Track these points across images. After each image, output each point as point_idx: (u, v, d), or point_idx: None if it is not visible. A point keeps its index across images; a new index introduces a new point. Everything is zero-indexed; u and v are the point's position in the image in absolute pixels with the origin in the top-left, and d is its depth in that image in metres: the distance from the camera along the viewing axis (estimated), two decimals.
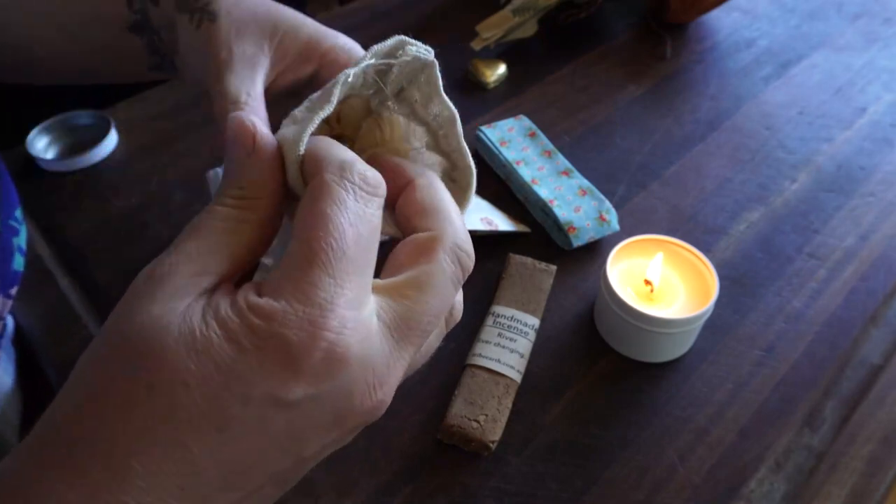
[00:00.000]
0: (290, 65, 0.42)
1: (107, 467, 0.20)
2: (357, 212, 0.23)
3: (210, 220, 0.24)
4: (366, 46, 0.40)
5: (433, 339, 0.27)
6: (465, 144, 0.31)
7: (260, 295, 0.22)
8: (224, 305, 0.22)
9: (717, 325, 0.53)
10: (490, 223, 0.58)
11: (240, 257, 0.24)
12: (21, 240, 0.50)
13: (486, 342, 0.50)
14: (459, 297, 0.28)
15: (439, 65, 0.32)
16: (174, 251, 0.23)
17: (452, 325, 0.28)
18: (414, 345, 0.24)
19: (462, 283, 0.26)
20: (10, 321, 0.54)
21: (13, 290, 0.49)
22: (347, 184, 0.24)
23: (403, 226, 0.27)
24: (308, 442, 0.22)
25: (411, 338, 0.24)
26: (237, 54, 0.39)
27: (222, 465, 0.21)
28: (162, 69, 0.44)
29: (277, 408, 0.21)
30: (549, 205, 0.59)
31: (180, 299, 0.22)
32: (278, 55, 0.41)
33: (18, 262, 0.50)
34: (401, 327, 0.23)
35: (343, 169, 0.24)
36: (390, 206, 0.27)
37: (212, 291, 0.23)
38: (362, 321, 0.22)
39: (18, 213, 0.50)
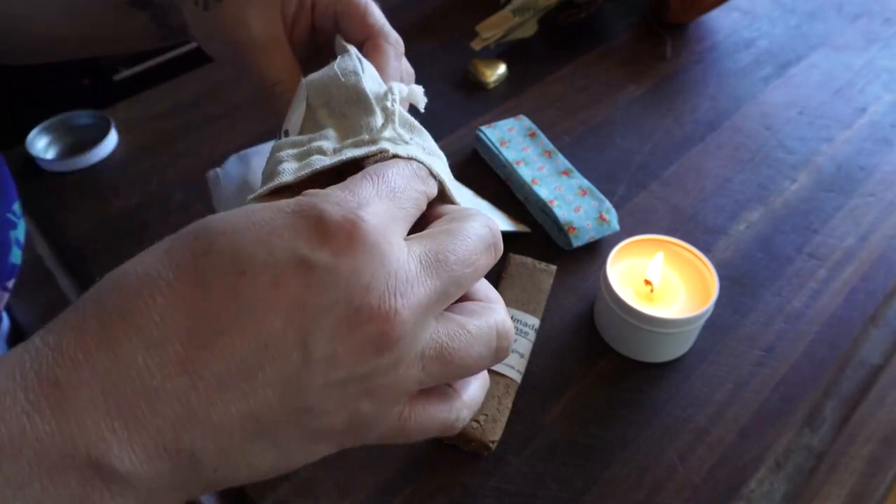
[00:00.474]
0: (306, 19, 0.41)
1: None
2: (408, 172, 0.26)
3: None
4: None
5: (478, 344, 0.26)
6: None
7: None
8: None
9: (717, 325, 0.53)
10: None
11: None
12: (19, 233, 0.50)
13: None
14: (510, 322, 0.28)
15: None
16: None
17: (503, 352, 0.27)
18: (440, 278, 0.24)
19: (495, 258, 0.27)
20: (5, 318, 0.54)
21: (10, 283, 0.49)
22: (414, 164, 0.27)
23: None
24: (317, 332, 0.21)
25: (438, 269, 0.24)
26: (256, 31, 0.38)
27: (225, 331, 0.21)
28: (173, 38, 0.43)
29: (297, 268, 0.21)
30: (549, 205, 0.59)
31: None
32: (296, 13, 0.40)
33: (16, 256, 0.50)
34: (428, 256, 0.24)
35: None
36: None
37: None
38: (391, 229, 0.23)
39: (17, 206, 0.50)
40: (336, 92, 0.31)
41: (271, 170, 0.28)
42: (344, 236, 0.21)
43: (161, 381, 0.20)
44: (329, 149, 0.28)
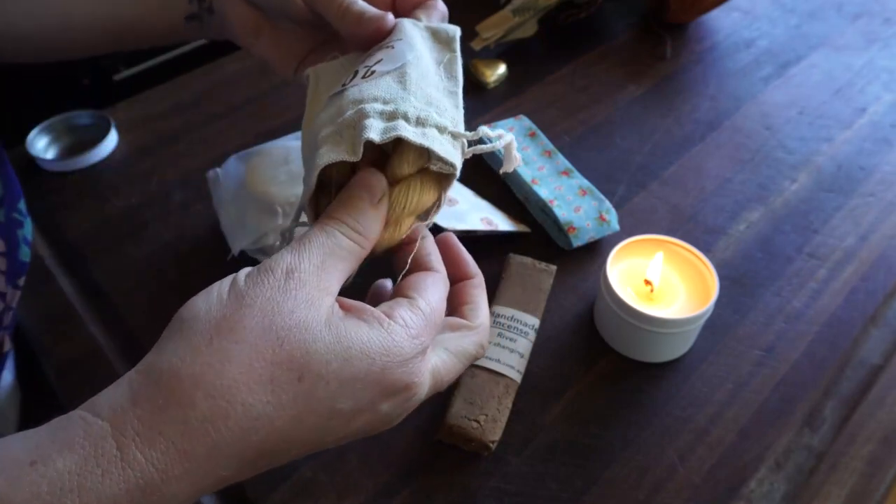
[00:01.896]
0: None
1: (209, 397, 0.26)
2: (443, 298, 0.33)
3: (336, 244, 0.30)
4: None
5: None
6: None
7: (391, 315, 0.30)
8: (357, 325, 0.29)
9: (717, 325, 0.53)
10: (490, 223, 0.58)
11: (344, 278, 0.31)
12: (26, 231, 0.51)
13: None
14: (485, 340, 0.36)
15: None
16: (302, 257, 0.29)
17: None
18: (433, 390, 0.33)
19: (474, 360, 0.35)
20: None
21: (21, 281, 0.50)
22: (440, 281, 0.33)
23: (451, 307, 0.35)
24: (364, 429, 0.31)
25: (435, 386, 0.33)
26: None
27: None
28: (198, 19, 0.45)
29: (369, 411, 0.30)
30: (549, 205, 0.59)
31: (316, 310, 0.28)
32: None
33: (25, 253, 0.50)
34: (434, 377, 0.32)
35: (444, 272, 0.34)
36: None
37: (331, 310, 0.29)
38: (427, 375, 0.32)
39: (22, 205, 0.50)
40: (430, 70, 0.35)
41: (354, 119, 0.31)
42: (404, 397, 0.30)
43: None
44: (413, 117, 0.32)
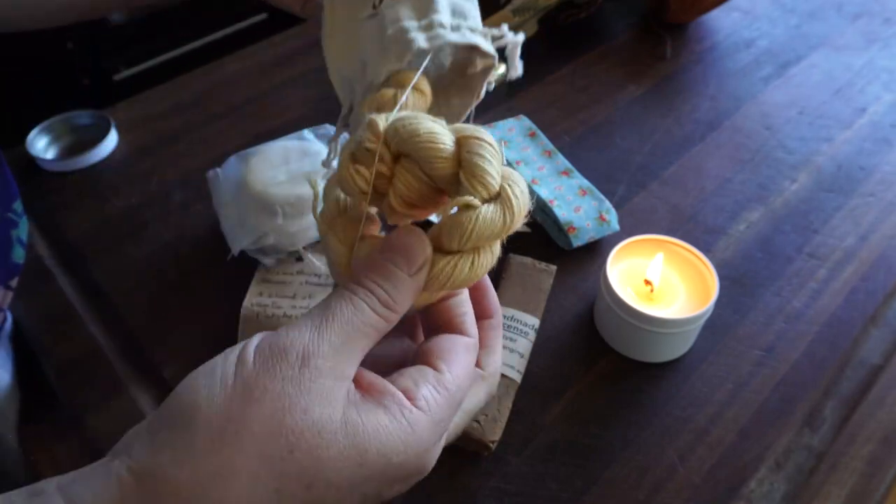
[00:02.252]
0: None
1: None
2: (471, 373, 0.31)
3: (363, 321, 0.27)
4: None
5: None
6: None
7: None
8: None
9: (717, 325, 0.53)
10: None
11: (363, 356, 0.27)
12: (21, 232, 0.50)
13: None
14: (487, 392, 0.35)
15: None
16: (322, 338, 0.26)
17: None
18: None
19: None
20: (8, 317, 0.54)
21: (13, 282, 0.49)
22: (472, 351, 0.31)
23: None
24: None
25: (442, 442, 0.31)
26: None
27: None
28: None
29: (374, 498, 0.28)
30: (549, 205, 0.59)
31: (332, 407, 0.25)
32: None
33: (18, 254, 0.49)
34: (448, 426, 0.30)
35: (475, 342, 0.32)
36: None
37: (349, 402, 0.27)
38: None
39: (17, 205, 0.50)
40: None
41: (396, 36, 0.32)
42: (413, 480, 0.29)
43: None
44: (448, 24, 0.33)
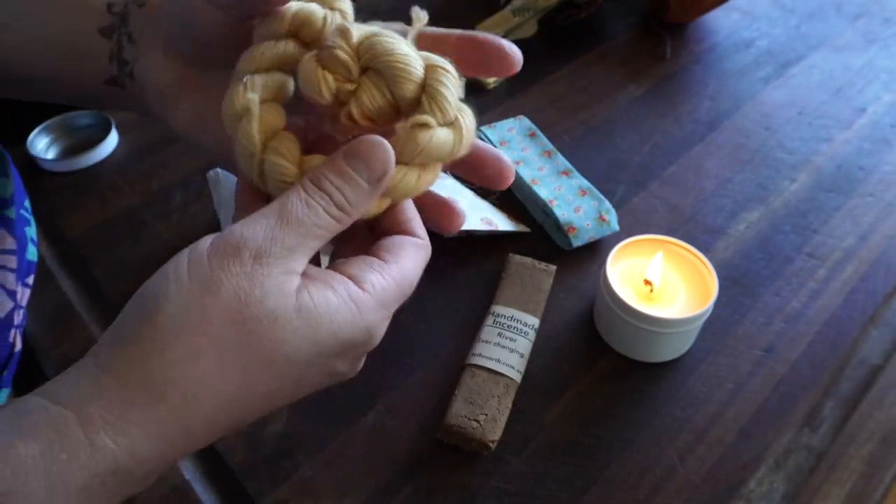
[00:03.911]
0: None
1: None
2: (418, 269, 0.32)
3: (316, 223, 0.28)
4: None
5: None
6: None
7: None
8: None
9: (716, 325, 0.53)
10: (490, 223, 0.58)
11: (313, 254, 0.29)
12: (32, 231, 0.51)
13: (486, 342, 0.50)
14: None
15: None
16: (275, 237, 0.27)
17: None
18: (398, 305, 0.32)
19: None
20: (24, 315, 0.54)
21: (30, 280, 0.50)
22: (422, 249, 0.32)
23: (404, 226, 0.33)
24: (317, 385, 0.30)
25: (395, 307, 0.31)
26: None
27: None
28: (118, 84, 0.39)
29: (326, 375, 0.30)
30: (549, 205, 0.59)
31: (285, 297, 0.27)
32: None
33: (32, 252, 0.50)
34: (391, 309, 0.31)
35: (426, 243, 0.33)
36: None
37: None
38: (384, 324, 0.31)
39: (28, 203, 0.51)
40: None
41: None
42: (361, 359, 0.32)
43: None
44: None
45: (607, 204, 0.59)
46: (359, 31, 0.31)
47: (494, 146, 0.64)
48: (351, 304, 0.28)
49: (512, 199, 0.63)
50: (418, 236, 0.32)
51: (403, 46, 0.30)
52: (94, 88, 0.39)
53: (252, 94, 0.30)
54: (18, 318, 0.49)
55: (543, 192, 0.60)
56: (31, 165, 0.67)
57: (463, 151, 0.31)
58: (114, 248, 0.60)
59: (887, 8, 0.88)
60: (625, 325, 0.49)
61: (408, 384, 0.50)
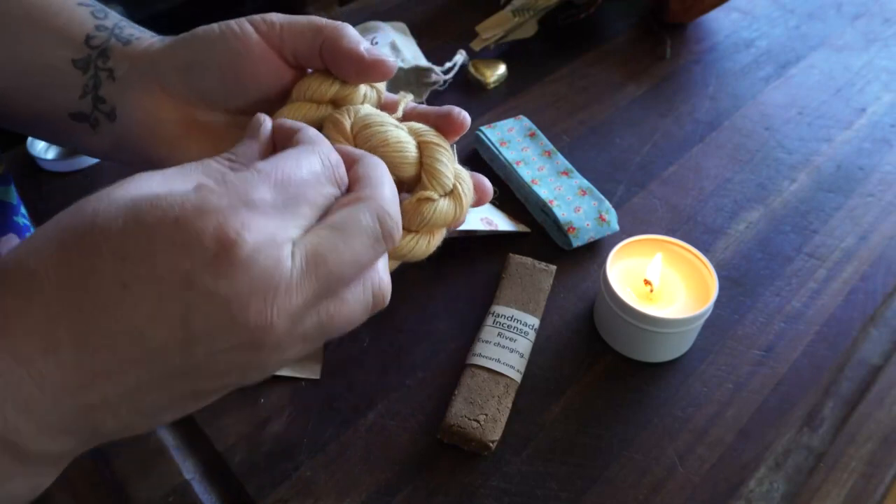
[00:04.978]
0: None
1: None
2: (317, 170, 0.27)
3: (203, 171, 0.25)
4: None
5: (356, 308, 0.27)
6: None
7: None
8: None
9: (716, 325, 0.53)
10: (490, 223, 0.58)
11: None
12: None
13: (486, 342, 0.50)
14: (387, 277, 0.29)
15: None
16: (165, 176, 0.25)
17: (379, 305, 0.28)
18: (321, 281, 0.25)
19: (385, 247, 0.27)
20: None
21: None
22: (322, 152, 0.28)
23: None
24: (200, 343, 0.23)
25: (319, 273, 0.25)
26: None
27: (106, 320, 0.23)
28: (87, 121, 0.37)
29: (179, 288, 0.22)
30: (549, 205, 0.59)
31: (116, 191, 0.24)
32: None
33: None
34: (314, 259, 0.25)
35: (319, 142, 0.29)
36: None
37: None
38: (275, 242, 0.24)
39: (24, 210, 0.50)
40: None
41: None
42: (224, 257, 0.23)
43: (59, 376, 0.22)
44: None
45: (607, 204, 0.59)
46: (351, 118, 0.33)
47: (495, 146, 0.64)
48: (181, 169, 0.25)
49: (512, 199, 0.63)
50: (309, 141, 0.29)
51: (396, 133, 0.33)
52: (55, 121, 0.37)
53: None
54: None
55: (543, 192, 0.60)
56: (31, 165, 0.67)
57: (464, 216, 0.34)
58: None
59: (887, 8, 0.88)
60: (625, 325, 0.49)
61: (408, 384, 0.50)
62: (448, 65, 0.73)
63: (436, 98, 0.72)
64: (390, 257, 0.32)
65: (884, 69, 0.78)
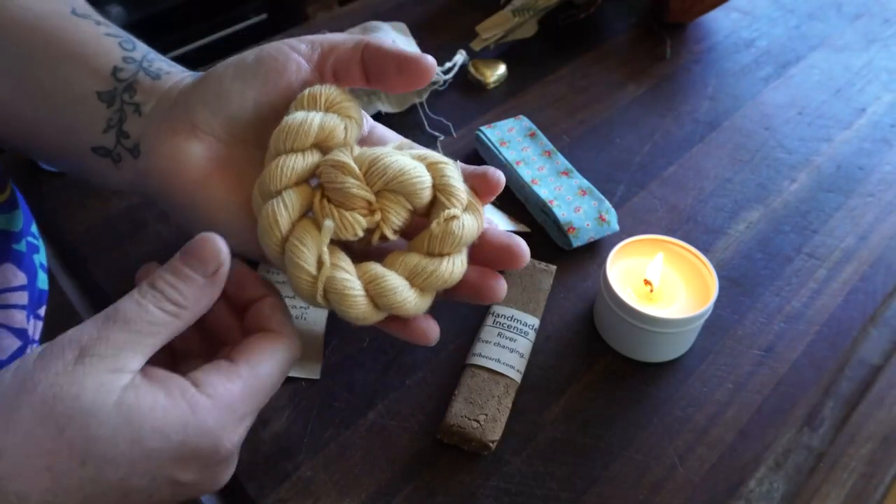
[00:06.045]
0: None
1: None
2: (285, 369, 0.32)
3: (148, 320, 0.28)
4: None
5: None
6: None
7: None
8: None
9: (716, 325, 0.53)
10: (490, 223, 0.57)
11: (152, 352, 0.29)
12: (42, 257, 0.49)
13: (486, 342, 0.50)
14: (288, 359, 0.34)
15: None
16: (101, 336, 0.27)
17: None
18: (253, 415, 0.32)
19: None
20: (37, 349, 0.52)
21: (42, 311, 0.48)
22: (281, 347, 0.32)
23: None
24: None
25: (253, 414, 0.32)
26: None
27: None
28: (110, 156, 0.36)
29: (169, 484, 0.29)
30: (549, 205, 0.59)
31: (106, 393, 0.26)
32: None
33: (43, 280, 0.48)
34: (251, 412, 0.32)
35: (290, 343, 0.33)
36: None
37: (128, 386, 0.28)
38: (241, 429, 0.31)
39: (34, 227, 0.49)
40: None
41: None
42: (212, 466, 0.30)
43: None
44: None
45: (607, 204, 0.59)
46: (351, 157, 0.33)
47: (495, 146, 0.64)
48: (183, 405, 0.28)
49: (512, 199, 0.63)
50: (280, 332, 0.32)
51: (405, 160, 0.33)
52: (77, 154, 0.36)
53: (285, 214, 0.32)
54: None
55: (543, 192, 0.60)
56: (31, 165, 0.67)
57: (483, 225, 0.35)
58: (114, 248, 0.60)
59: (887, 8, 0.88)
60: (625, 325, 0.49)
61: (408, 384, 0.50)
62: (448, 65, 0.73)
63: (436, 98, 0.72)
64: (432, 289, 0.33)
65: (884, 69, 0.78)
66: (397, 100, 0.70)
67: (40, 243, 0.49)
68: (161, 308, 0.29)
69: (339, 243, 0.33)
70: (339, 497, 0.44)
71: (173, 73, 0.37)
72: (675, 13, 0.81)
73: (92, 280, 0.58)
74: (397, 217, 0.33)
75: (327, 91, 0.34)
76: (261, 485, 0.45)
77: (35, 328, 0.47)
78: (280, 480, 0.45)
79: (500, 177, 0.35)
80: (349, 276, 0.32)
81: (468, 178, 0.35)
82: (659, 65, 0.79)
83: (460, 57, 0.74)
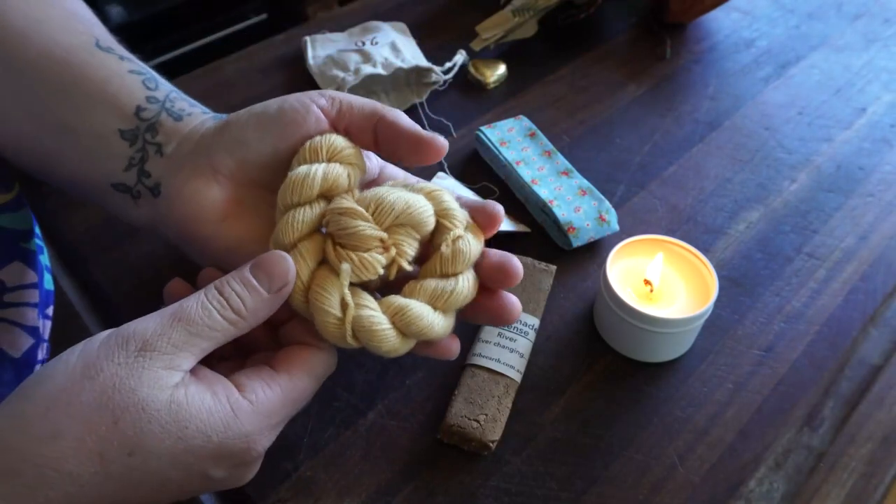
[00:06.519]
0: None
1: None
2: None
3: (209, 324, 0.30)
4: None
5: None
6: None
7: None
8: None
9: (716, 325, 0.53)
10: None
11: (203, 355, 0.30)
12: (46, 258, 0.49)
13: (486, 342, 0.50)
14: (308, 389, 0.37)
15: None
16: (164, 333, 0.29)
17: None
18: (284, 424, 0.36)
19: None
20: (47, 349, 0.52)
21: (49, 311, 0.49)
22: (319, 360, 0.36)
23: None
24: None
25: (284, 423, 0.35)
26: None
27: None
28: (130, 193, 0.37)
29: (201, 479, 0.30)
30: (549, 205, 0.59)
31: (160, 390, 0.28)
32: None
33: (48, 281, 0.48)
34: (282, 421, 0.36)
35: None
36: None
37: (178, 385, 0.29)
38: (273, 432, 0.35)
39: (38, 229, 0.49)
40: None
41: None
42: (241, 466, 0.33)
43: None
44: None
45: (607, 204, 0.59)
46: (353, 200, 0.35)
47: (495, 146, 0.64)
48: (227, 408, 0.29)
49: (512, 199, 0.63)
50: (320, 347, 0.34)
51: (407, 194, 0.35)
52: (96, 189, 0.37)
53: (303, 265, 0.34)
54: (42, 352, 0.47)
55: (543, 192, 0.60)
56: None
57: (482, 246, 0.37)
58: (114, 248, 0.60)
59: (887, 8, 0.88)
60: (625, 325, 0.49)
61: (408, 384, 0.50)
62: (448, 65, 0.73)
63: (436, 98, 0.72)
64: (453, 308, 0.35)
65: (884, 69, 0.78)
66: (397, 100, 0.70)
67: (44, 246, 0.50)
68: (223, 315, 0.30)
69: (358, 284, 0.35)
70: (339, 497, 0.44)
71: (195, 115, 0.38)
72: (675, 13, 0.81)
73: (92, 280, 0.58)
74: (410, 248, 0.35)
75: (328, 142, 0.35)
76: (261, 484, 0.45)
77: (45, 327, 0.48)
78: (280, 480, 0.45)
79: (499, 210, 0.37)
80: (374, 312, 0.33)
81: (468, 210, 0.38)
82: (659, 65, 0.79)
83: (460, 57, 0.74)
